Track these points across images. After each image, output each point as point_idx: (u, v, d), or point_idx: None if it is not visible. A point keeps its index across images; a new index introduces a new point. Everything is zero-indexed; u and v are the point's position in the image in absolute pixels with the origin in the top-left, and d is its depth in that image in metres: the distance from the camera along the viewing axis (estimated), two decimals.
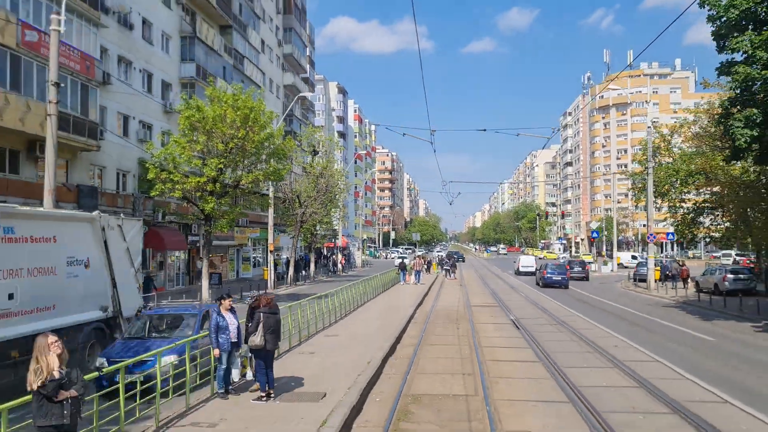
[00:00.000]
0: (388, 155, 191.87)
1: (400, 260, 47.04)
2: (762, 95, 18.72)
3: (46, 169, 17.21)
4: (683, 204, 38.65)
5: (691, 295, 32.80)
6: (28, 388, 5.76)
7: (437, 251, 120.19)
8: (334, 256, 59.93)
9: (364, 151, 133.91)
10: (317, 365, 12.53)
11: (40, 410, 5.70)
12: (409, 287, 35.96)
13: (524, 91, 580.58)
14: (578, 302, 30.01)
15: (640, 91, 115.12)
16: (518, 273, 54.51)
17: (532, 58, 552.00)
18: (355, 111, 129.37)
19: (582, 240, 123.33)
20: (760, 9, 18.72)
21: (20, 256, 11.06)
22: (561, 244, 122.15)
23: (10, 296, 10.72)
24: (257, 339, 9.36)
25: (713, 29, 20.55)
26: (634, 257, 66.15)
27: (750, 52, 18.75)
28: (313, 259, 50.21)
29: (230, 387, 10.11)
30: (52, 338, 5.99)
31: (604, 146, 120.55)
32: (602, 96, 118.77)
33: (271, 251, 38.37)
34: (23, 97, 22.83)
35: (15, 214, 11.27)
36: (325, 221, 50.70)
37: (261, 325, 9.38)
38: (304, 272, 46.60)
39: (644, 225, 74.93)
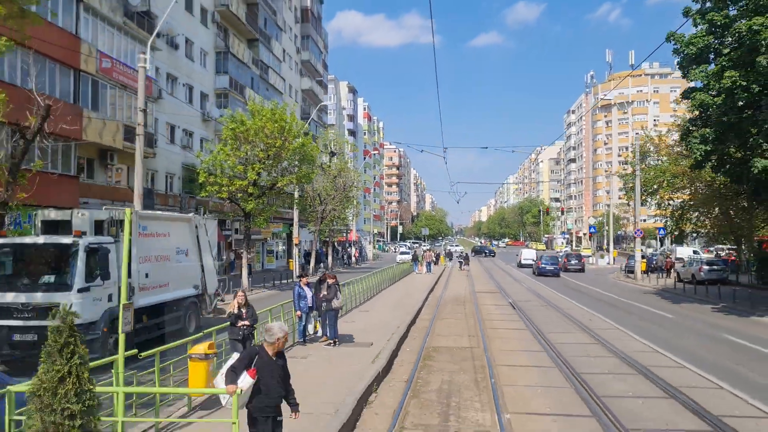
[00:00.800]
0: (395, 151, 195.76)
1: (404, 255, 51.39)
2: (715, 117, 22.84)
3: (135, 177, 21.53)
4: (671, 202, 42.75)
5: (672, 284, 36.96)
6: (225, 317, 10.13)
7: (453, 246, 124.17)
8: (348, 249, 64.31)
9: (373, 148, 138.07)
10: (360, 328, 16.82)
11: (230, 330, 10.06)
12: (421, 276, 40.36)
13: (530, 85, 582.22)
14: (570, 289, 34.26)
15: (641, 91, 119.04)
16: (520, 265, 58.75)
17: (539, 52, 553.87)
18: (364, 109, 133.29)
19: (584, 234, 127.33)
20: (713, 47, 22.81)
21: (150, 247, 15.40)
22: (564, 238, 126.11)
23: (146, 275, 15.05)
24: (337, 302, 13.72)
25: (678, 60, 24.71)
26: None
27: (705, 82, 22.91)
28: (331, 252, 54.57)
29: (306, 338, 14.44)
30: (240, 291, 10.33)
31: (606, 144, 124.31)
32: (605, 95, 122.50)
33: (296, 245, 42.73)
34: (100, 115, 27.19)
35: (146, 216, 15.63)
36: (342, 217, 55.03)
37: (338, 292, 13.78)
38: (322, 264, 50.97)
39: (643, 220, 79.12)
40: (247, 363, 5.81)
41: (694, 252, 68.32)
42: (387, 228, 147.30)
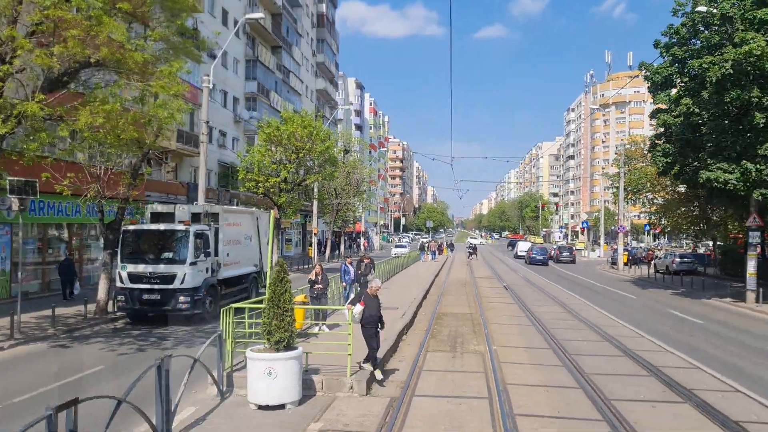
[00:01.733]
0: (399, 144, 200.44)
1: (400, 248, 56.39)
2: (675, 135, 27.65)
3: (200, 176, 26.39)
4: (654, 201, 47.66)
5: (649, 274, 41.91)
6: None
7: (472, 239, 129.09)
8: (358, 240, 69.33)
9: (378, 142, 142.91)
10: (386, 299, 21.57)
11: (309, 290, 15.00)
12: (427, 264, 45.39)
13: (534, 78, 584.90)
14: (557, 277, 39.24)
15: (638, 91, 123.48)
16: (516, 256, 63.76)
17: (543, 45, 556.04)
18: (370, 104, 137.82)
19: (588, 228, 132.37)
20: (674, 76, 27.59)
21: (230, 234, 20.34)
22: (561, 232, 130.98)
23: (227, 255, 20.00)
24: (376, 281, 18.62)
25: (648, 85, 29.56)
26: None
27: (668, 105, 27.75)
28: (343, 241, 59.58)
29: (349, 303, 19.39)
30: (317, 264, 15.28)
31: (603, 142, 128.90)
32: (603, 95, 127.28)
33: (314, 234, 47.70)
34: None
35: (228, 210, 20.67)
36: (353, 210, 59.98)
37: (372, 269, 18.74)
38: (336, 252, 55.99)
39: (636, 216, 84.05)
40: (359, 298, 10.82)
41: (675, 247, 73.41)
42: (391, 220, 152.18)
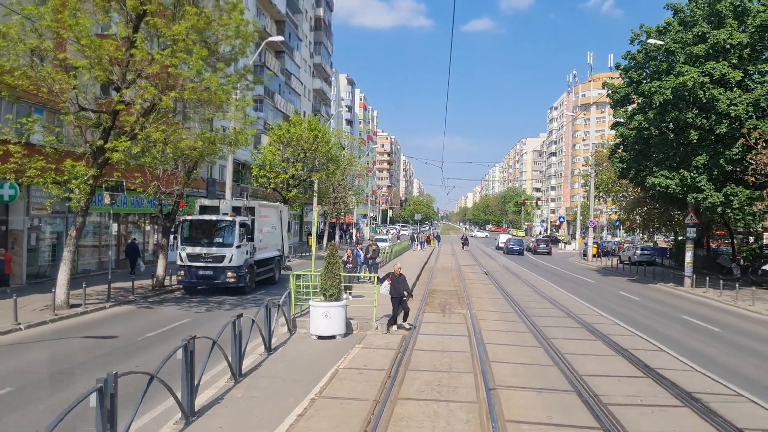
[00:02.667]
0: (387, 138, 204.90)
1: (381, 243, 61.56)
2: (630, 145, 32.68)
3: (227, 174, 31.04)
4: (623, 199, 52.85)
5: (614, 264, 47.18)
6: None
7: (476, 232, 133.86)
8: (351, 230, 74.11)
9: (367, 136, 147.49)
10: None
11: (345, 269, 19.81)
12: (417, 252, 50.35)
13: (521, 72, 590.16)
14: (532, 265, 44.38)
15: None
16: (498, 248, 68.91)
17: (531, 39, 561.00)
18: (360, 99, 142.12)
19: (564, 222, 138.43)
20: (631, 95, 32.59)
21: (262, 224, 25.03)
22: (541, 226, 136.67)
23: (260, 240, 24.71)
24: (379, 258, 23.52)
25: (610, 102, 34.57)
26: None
27: (624, 119, 32.77)
28: (338, 232, 64.33)
29: (359, 279, 24.23)
30: (348, 249, 20.08)
31: (584, 140, 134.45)
32: (584, 95, 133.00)
33: (315, 225, 52.32)
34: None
35: (261, 205, 25.33)
36: (346, 202, 64.76)
37: (378, 253, 23.62)
38: (332, 242, 60.76)
39: (616, 212, 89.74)
40: (386, 277, 15.61)
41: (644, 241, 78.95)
42: (378, 212, 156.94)
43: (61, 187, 17.09)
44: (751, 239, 43.97)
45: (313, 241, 20.05)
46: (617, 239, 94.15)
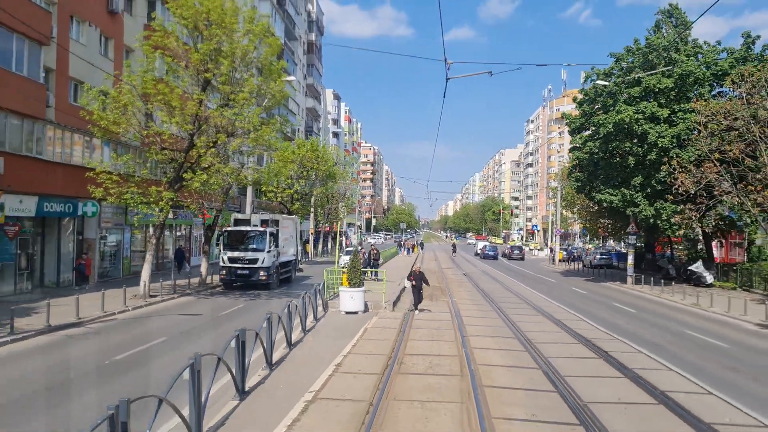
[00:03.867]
0: (370, 149, 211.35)
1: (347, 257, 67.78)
2: (583, 167, 39.15)
3: (248, 193, 36.92)
4: (585, 210, 59.38)
5: (577, 267, 53.70)
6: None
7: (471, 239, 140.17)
8: (341, 238, 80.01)
9: (352, 147, 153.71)
10: (387, 276, 32.68)
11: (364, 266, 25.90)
12: (404, 257, 56.54)
13: (500, 82, 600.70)
14: (505, 268, 50.75)
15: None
16: (476, 254, 75.34)
17: (511, 48, 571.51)
18: (345, 112, 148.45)
19: (538, 231, 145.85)
20: (585, 125, 39.13)
21: (284, 233, 30.98)
22: (518, 234, 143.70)
23: (282, 247, 30.65)
24: (381, 260, 29.51)
25: (568, 130, 41.12)
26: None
27: (579, 145, 39.28)
28: (330, 239, 70.32)
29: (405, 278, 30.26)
30: (363, 250, 26.14)
31: (558, 152, 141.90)
32: (558, 109, 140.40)
33: (311, 233, 58.33)
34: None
35: (283, 218, 31.30)
36: (340, 213, 70.79)
37: (379, 256, 29.66)
38: (325, 248, 66.68)
39: (588, 221, 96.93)
40: (409, 275, 21.65)
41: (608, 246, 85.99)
42: (363, 220, 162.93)
43: (149, 207, 22.97)
44: (699, 246, 50.84)
45: (310, 248, 25.99)
46: (588, 246, 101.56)
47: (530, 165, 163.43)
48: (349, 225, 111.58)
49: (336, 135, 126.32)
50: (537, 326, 18.68)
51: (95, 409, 9.17)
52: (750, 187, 27.10)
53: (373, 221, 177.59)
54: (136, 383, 11.19)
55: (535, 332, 17.30)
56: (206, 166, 23.28)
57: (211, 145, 23.45)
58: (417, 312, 20.70)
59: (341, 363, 12.58)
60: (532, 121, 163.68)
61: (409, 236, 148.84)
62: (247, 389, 10.35)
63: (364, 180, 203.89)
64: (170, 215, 26.27)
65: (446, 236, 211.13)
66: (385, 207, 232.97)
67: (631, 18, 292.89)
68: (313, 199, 56.46)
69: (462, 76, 27.26)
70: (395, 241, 71.30)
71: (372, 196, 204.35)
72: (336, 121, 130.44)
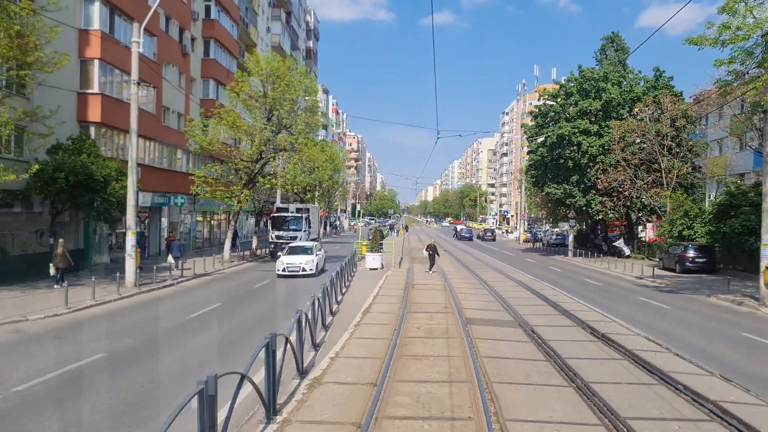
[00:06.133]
0: (355, 137, 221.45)
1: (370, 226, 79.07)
2: (536, 167, 50.42)
3: (278, 193, 47.58)
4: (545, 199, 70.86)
5: (537, 246, 65.29)
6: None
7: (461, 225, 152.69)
8: (335, 222, 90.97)
9: (338, 137, 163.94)
10: (387, 249, 43.71)
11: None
12: (395, 237, 67.81)
13: (481, 66, 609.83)
14: (477, 247, 62.17)
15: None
16: (454, 236, 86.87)
17: (492, 33, 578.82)
18: (333, 105, 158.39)
19: (512, 216, 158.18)
20: (538, 134, 50.33)
21: (312, 218, 41.84)
22: (494, 218, 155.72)
23: (311, 228, 41.52)
24: (432, 240, 40.40)
25: (527, 136, 52.40)
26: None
27: (533, 149, 50.56)
28: (327, 224, 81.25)
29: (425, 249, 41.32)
30: (380, 228, 37.13)
31: (529, 146, 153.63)
32: (531, 103, 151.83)
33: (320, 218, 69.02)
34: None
35: (313, 207, 42.18)
36: (336, 200, 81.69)
37: (383, 236, 40.65)
38: (325, 231, 77.54)
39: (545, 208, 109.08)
40: (426, 248, 32.61)
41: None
42: (348, 206, 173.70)
43: (231, 199, 33.67)
44: (640, 228, 62.67)
45: (321, 229, 36.54)
46: (556, 229, 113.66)
47: (505, 155, 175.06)
48: (342, 211, 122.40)
49: (325, 127, 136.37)
50: (491, 276, 29.92)
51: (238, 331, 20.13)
52: (644, 185, 38.61)
53: (358, 207, 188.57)
54: (270, 298, 22.11)
55: (489, 279, 28.52)
56: (272, 173, 34.02)
57: (271, 157, 34.16)
58: (430, 272, 31.65)
59: (378, 292, 23.53)
60: (507, 114, 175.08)
61: (395, 221, 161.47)
62: (335, 309, 21.20)
63: (349, 167, 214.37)
64: (236, 206, 37.11)
65: (426, 221, 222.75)
66: (368, 193, 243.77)
67: (610, 3, 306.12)
68: (317, 193, 67.29)
69: (449, 136, 38.17)
70: (381, 226, 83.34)
71: (356, 182, 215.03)
72: (325, 114, 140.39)
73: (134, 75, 22.62)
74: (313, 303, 13.35)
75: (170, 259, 28.52)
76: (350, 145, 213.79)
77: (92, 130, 28.16)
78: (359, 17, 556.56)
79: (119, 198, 24.82)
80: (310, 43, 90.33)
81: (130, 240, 22.42)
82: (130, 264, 22.32)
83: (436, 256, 32.17)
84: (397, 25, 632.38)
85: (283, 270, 28.13)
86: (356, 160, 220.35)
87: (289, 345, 9.69)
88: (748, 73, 21.00)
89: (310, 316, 12.37)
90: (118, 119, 29.09)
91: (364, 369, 10.86)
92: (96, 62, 27.95)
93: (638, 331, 15.44)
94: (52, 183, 23.13)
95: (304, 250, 30.06)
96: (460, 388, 9.71)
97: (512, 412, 8.55)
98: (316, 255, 29.70)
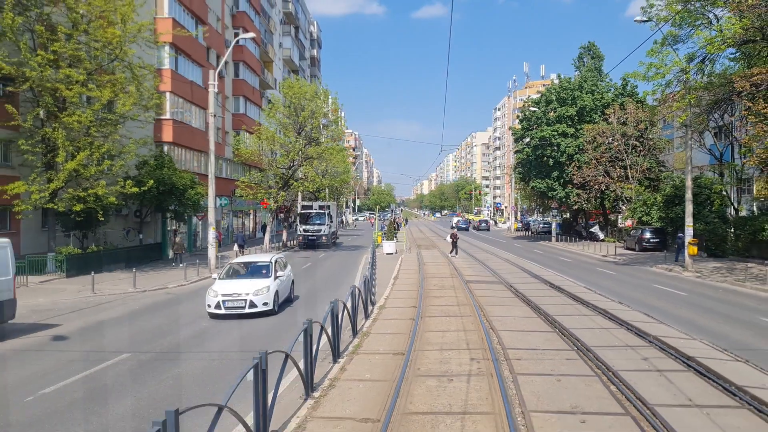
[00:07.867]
0: (352, 134, 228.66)
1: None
2: (522, 165, 57.88)
3: (299, 196, 55.03)
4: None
5: (527, 234, 72.84)
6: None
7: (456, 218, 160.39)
8: (342, 217, 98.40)
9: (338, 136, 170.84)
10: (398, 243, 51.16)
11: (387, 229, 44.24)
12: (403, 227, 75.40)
13: (473, 59, 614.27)
14: (472, 236, 69.72)
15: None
16: (452, 227, 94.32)
17: (483, 25, 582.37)
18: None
19: (506, 207, 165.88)
20: (524, 135, 57.79)
21: (332, 213, 49.25)
22: (488, 210, 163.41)
23: (332, 222, 48.94)
24: (453, 231, 47.92)
25: (514, 138, 59.90)
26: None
27: (521, 148, 58.06)
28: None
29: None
30: (399, 218, 44.62)
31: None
32: (521, 99, 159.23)
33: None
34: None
35: (332, 204, 49.66)
36: (343, 195, 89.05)
37: (399, 226, 48.23)
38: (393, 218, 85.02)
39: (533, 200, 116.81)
40: (452, 235, 40.01)
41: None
42: (350, 201, 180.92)
43: (269, 199, 41.01)
44: (615, 217, 70.27)
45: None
46: (547, 219, 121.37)
47: (498, 149, 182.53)
48: (347, 207, 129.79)
49: (326, 126, 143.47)
50: (484, 256, 37.45)
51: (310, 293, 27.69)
52: (612, 179, 46.20)
53: (357, 201, 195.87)
54: (324, 274, 29.58)
55: (483, 258, 36.04)
56: (302, 177, 41.46)
57: (302, 165, 41.58)
58: (455, 257, 38.71)
59: (400, 267, 30.94)
60: (499, 109, 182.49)
61: (397, 215, 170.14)
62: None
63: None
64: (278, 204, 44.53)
65: (424, 214, 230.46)
66: (366, 188, 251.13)
67: None
68: (327, 192, 74.56)
69: (451, 150, 45.54)
70: (383, 219, 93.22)
71: (355, 178, 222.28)
72: (326, 114, 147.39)
73: (211, 109, 29.95)
74: (362, 284, 20.78)
75: (236, 247, 35.87)
76: (348, 142, 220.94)
77: (165, 148, 35.51)
78: (350, 11, 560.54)
79: (194, 202, 32.24)
80: (314, 52, 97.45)
81: (212, 234, 29.80)
82: (212, 251, 29.70)
83: (456, 241, 39.50)
84: (388, 19, 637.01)
85: (217, 306, 16.95)
86: (354, 157, 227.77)
87: (359, 294, 17.16)
88: (669, 99, 28.53)
89: (360, 286, 19.81)
90: (184, 138, 36.43)
91: (408, 302, 18.40)
92: (168, 94, 35.26)
93: (581, 285, 22.98)
94: (147, 192, 30.46)
95: (257, 270, 18.70)
96: (464, 308, 17.24)
97: (494, 315, 16.04)
98: (276, 278, 18.30)
